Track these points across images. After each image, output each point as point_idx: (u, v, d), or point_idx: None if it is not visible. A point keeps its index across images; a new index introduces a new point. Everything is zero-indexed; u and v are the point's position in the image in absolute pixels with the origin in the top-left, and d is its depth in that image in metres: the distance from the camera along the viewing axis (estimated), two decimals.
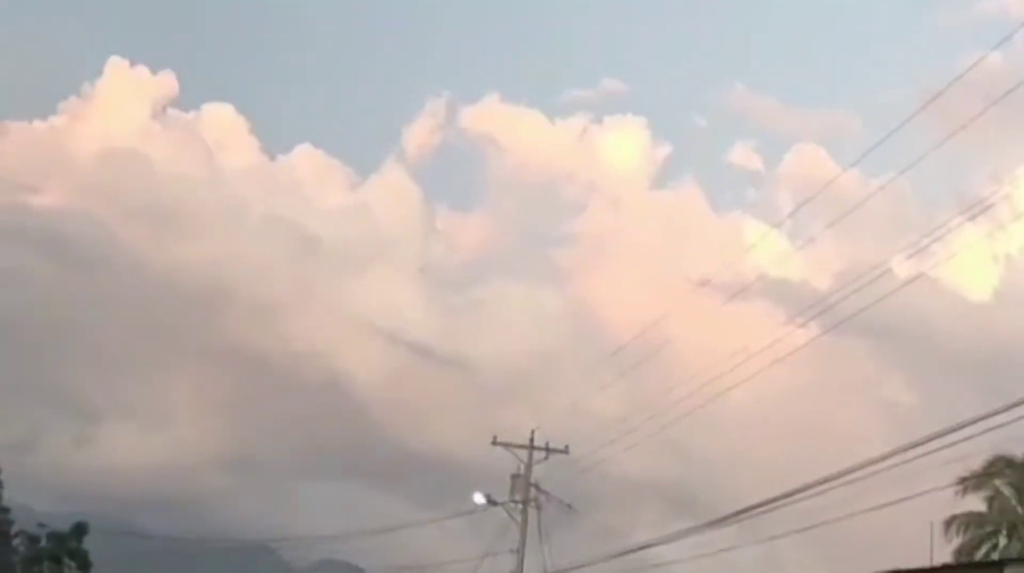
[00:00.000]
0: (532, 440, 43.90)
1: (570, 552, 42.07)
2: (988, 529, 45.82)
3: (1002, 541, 44.79)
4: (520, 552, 42.83)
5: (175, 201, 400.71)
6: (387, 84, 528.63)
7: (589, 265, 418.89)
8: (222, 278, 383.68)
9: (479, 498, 44.01)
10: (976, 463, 40.92)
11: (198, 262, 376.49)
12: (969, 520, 46.10)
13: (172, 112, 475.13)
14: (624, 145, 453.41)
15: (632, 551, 35.59)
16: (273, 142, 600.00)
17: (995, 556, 42.67)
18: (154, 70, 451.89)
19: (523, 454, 43.76)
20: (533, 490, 43.18)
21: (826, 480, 24.53)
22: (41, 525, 75.35)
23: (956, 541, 46.30)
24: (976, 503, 46.03)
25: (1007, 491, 45.75)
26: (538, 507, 42.96)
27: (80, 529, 75.54)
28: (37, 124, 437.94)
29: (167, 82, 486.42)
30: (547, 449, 43.65)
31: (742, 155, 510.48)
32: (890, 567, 26.00)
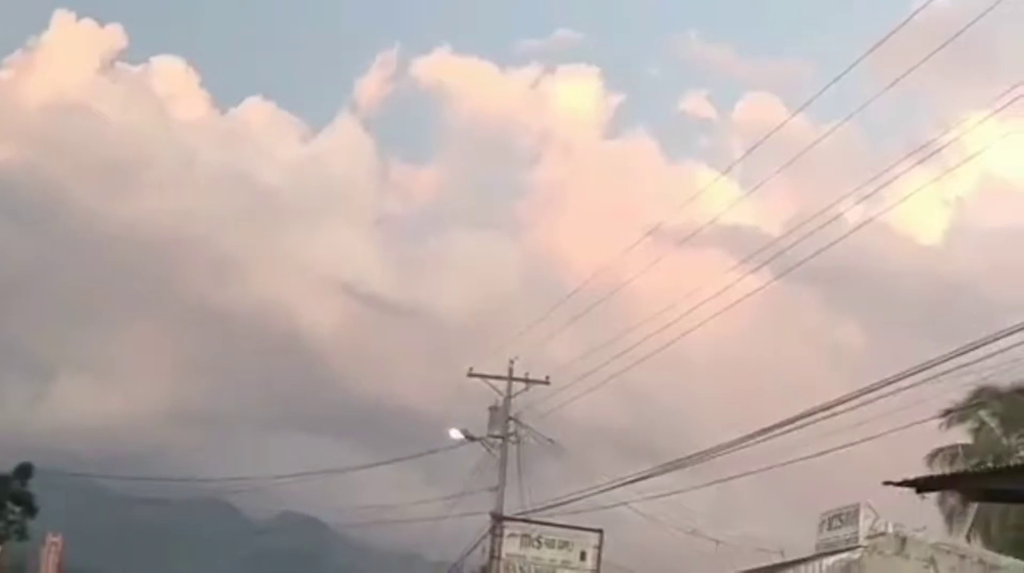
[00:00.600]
0: (511, 371, 41.47)
1: (551, 489, 39.82)
2: (974, 461, 44.70)
3: None
4: (500, 490, 40.49)
5: (126, 155, 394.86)
6: (338, 35, 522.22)
7: (544, 214, 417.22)
8: (175, 232, 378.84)
9: (456, 433, 41.62)
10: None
11: (150, 216, 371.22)
12: (954, 453, 44.81)
13: (120, 65, 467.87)
14: (577, 95, 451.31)
15: (616, 486, 33.39)
16: (224, 95, 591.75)
17: None
18: (101, 23, 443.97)
19: (502, 386, 41.45)
20: (513, 424, 40.88)
21: (814, 412, 24.27)
22: None
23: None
24: (961, 436, 44.82)
25: (992, 422, 44.39)
26: (518, 441, 40.68)
27: (24, 471, 69.22)
28: None
29: (115, 35, 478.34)
30: (527, 380, 41.31)
31: (695, 103, 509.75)
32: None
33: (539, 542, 31.03)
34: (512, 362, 41.32)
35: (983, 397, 42.16)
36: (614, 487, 30.60)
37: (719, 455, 28.94)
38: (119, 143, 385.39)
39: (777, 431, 25.79)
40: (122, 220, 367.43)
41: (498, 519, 40.48)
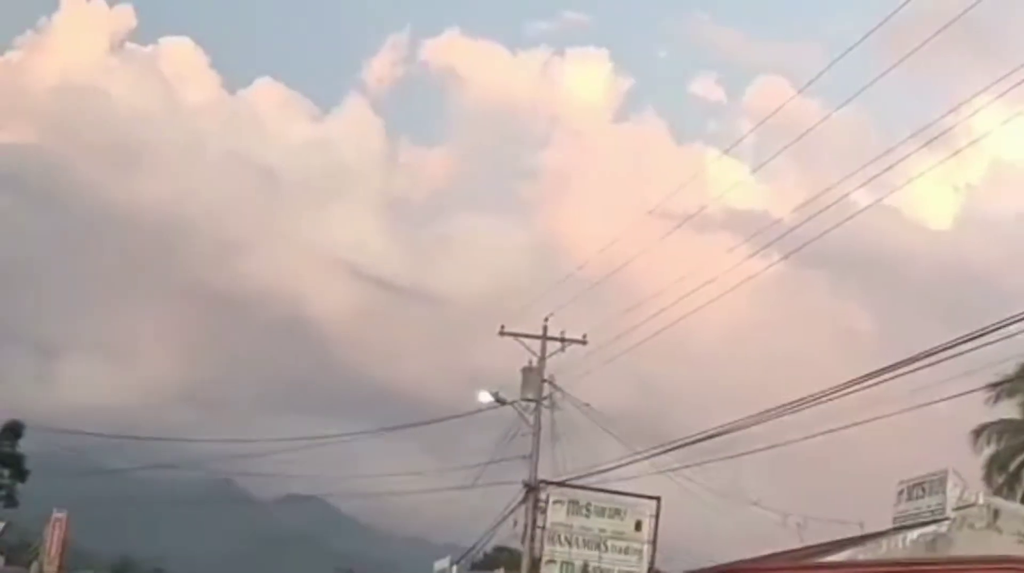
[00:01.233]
0: (545, 329, 37.82)
1: (587, 459, 36.10)
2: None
3: None
4: (534, 457, 36.80)
5: (134, 136, 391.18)
6: (348, 17, 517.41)
7: (553, 198, 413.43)
8: (183, 214, 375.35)
9: (485, 396, 37.92)
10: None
11: (158, 197, 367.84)
12: (1002, 428, 41.68)
13: (130, 46, 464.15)
14: (586, 78, 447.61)
15: (668, 450, 29.57)
16: (233, 76, 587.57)
17: None
18: (110, 3, 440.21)
19: (535, 347, 37.74)
20: (548, 387, 37.16)
21: (858, 381, 22.12)
22: None
23: (987, 451, 42.22)
24: (1009, 410, 41.66)
25: None
26: (553, 406, 36.96)
27: (13, 430, 63.32)
28: None
29: (124, 15, 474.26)
30: (562, 339, 37.61)
31: (704, 87, 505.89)
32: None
33: (588, 510, 26.98)
34: (547, 320, 37.69)
35: None
36: (665, 451, 26.96)
37: (773, 418, 25.70)
38: (128, 124, 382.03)
39: (824, 398, 23.67)
40: (130, 201, 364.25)
41: (531, 488, 36.84)
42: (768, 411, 25.73)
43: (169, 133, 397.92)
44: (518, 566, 37.21)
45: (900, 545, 26.15)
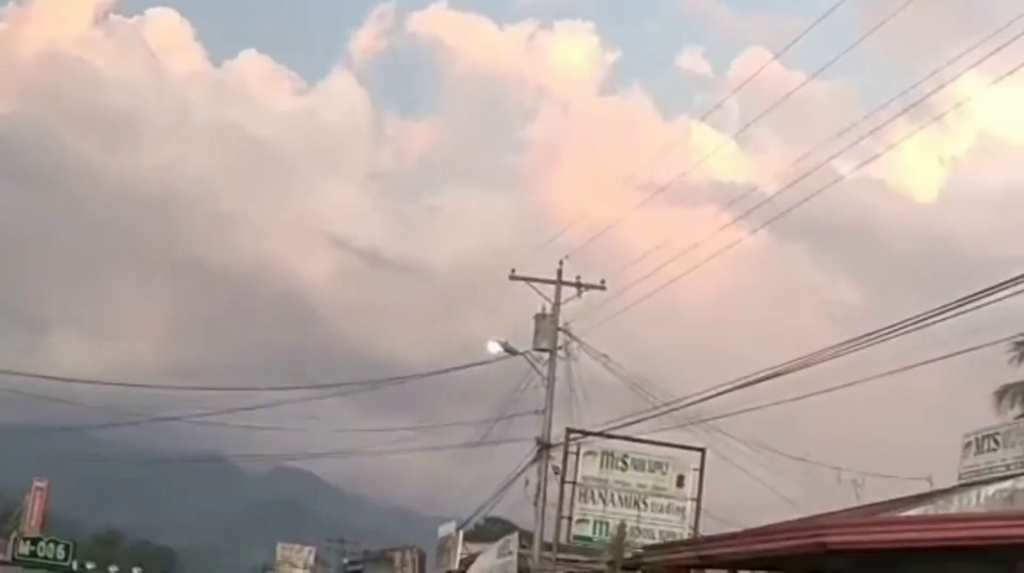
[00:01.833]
0: (560, 273, 34.28)
1: (603, 413, 32.55)
2: None
3: None
4: (547, 412, 33.33)
5: (120, 108, 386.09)
6: None
7: (540, 170, 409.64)
8: (169, 186, 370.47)
9: (494, 346, 34.37)
10: None
11: (144, 170, 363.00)
12: None
13: (115, 18, 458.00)
14: (573, 51, 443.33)
15: (680, 406, 25.98)
16: (218, 48, 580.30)
17: None
18: None
19: (548, 294, 34.21)
20: (563, 336, 33.67)
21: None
22: None
23: (1011, 413, 39.04)
24: None
25: None
26: (568, 356, 33.49)
27: None
28: None
29: None
30: (579, 284, 34.12)
31: (691, 60, 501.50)
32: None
33: (625, 463, 22.89)
34: (561, 263, 34.17)
35: None
36: (703, 399, 23.41)
37: (826, 360, 22.66)
38: (113, 96, 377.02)
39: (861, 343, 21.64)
40: (116, 174, 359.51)
41: (544, 446, 33.42)
42: (823, 351, 22.62)
43: (155, 105, 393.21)
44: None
45: (974, 501, 22.86)
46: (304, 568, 53.40)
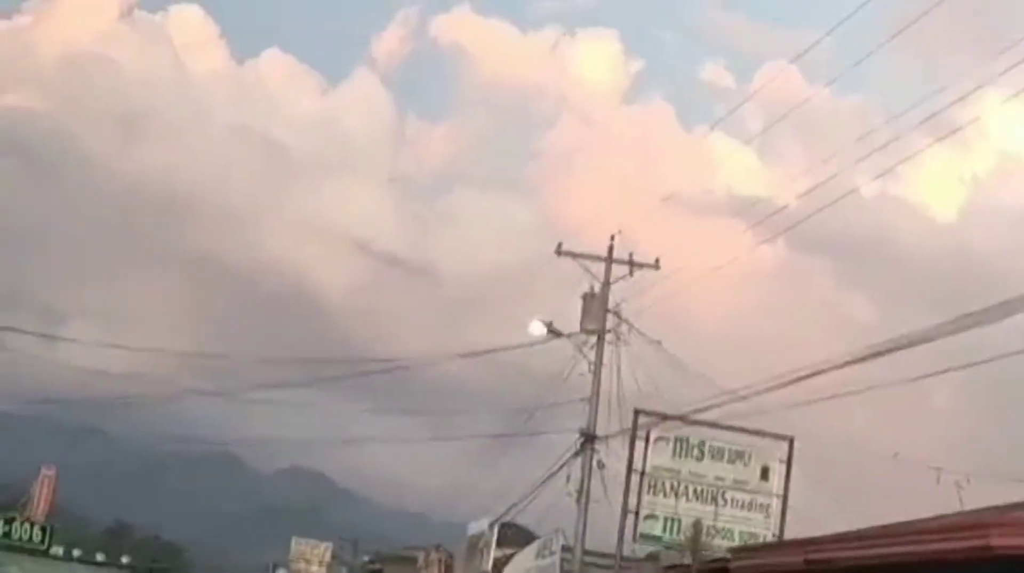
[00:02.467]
0: (611, 250, 30.95)
1: (650, 405, 29.13)
2: None
3: None
4: (593, 400, 30.01)
5: (142, 105, 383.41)
6: None
7: (559, 178, 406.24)
8: (189, 184, 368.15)
9: (537, 328, 31.06)
10: None
11: (165, 167, 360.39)
12: None
13: (139, 14, 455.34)
14: (595, 59, 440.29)
15: (739, 398, 22.50)
16: (242, 46, 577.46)
17: None
18: None
19: (598, 272, 30.86)
20: (612, 318, 30.32)
21: None
22: None
23: None
24: None
25: None
26: (618, 339, 30.16)
27: None
28: (1, 24, 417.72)
29: None
30: (631, 262, 30.79)
31: (713, 72, 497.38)
32: None
33: (701, 451, 19.25)
34: (613, 238, 30.78)
35: None
36: (796, 381, 19.95)
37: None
38: (135, 93, 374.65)
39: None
40: (136, 171, 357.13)
41: (589, 438, 30.06)
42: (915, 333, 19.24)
43: (176, 103, 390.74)
44: (527, 543, 30.73)
45: None
46: (320, 565, 50.07)
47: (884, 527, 14.87)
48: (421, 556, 37.34)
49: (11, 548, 28.15)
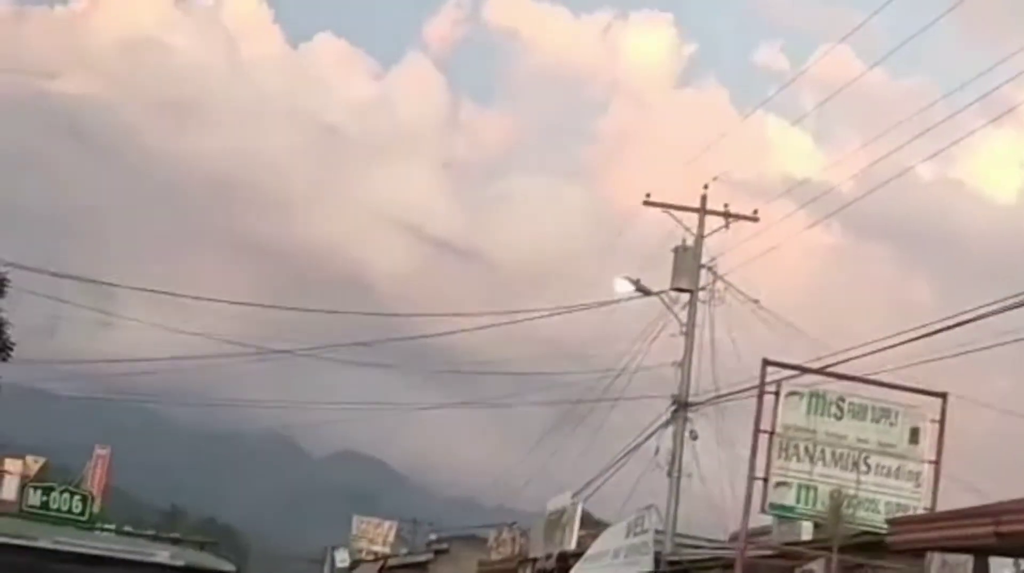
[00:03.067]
0: (704, 200, 28.01)
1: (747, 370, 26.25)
2: None
3: None
4: (685, 363, 27.16)
5: (195, 90, 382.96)
6: None
7: (612, 162, 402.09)
8: (243, 169, 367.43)
9: (623, 284, 28.18)
10: None
11: (219, 152, 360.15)
12: None
13: None
14: (649, 42, 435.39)
15: (879, 350, 19.36)
16: (295, 30, 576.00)
17: None
18: None
19: (688, 224, 27.95)
20: (707, 274, 27.44)
21: None
22: None
23: None
24: None
25: None
26: (712, 297, 27.29)
27: None
28: (58, 9, 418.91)
29: None
30: (727, 214, 27.88)
31: (766, 54, 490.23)
32: None
33: (840, 409, 16.09)
34: (706, 187, 27.83)
35: None
36: (950, 327, 16.86)
37: None
38: (189, 78, 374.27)
39: None
40: (190, 155, 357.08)
41: (682, 405, 27.20)
42: None
43: (230, 87, 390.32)
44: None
45: None
46: (384, 544, 47.46)
47: None
48: (492, 535, 34.62)
49: (49, 518, 25.60)
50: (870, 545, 15.53)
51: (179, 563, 13.19)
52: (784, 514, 16.86)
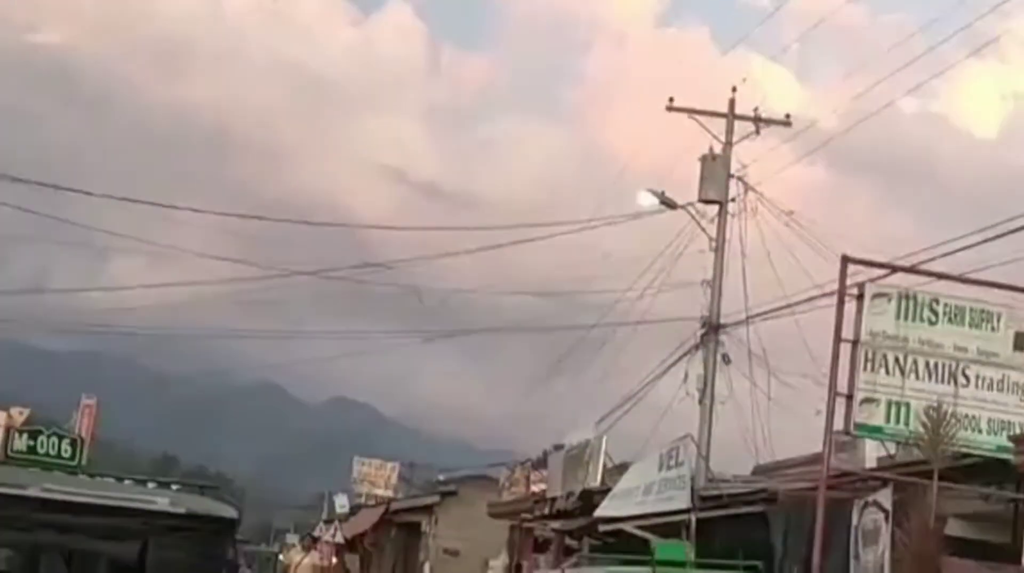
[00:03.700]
0: (733, 104, 25.44)
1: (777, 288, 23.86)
2: None
3: None
4: (716, 282, 24.71)
5: (179, 39, 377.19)
6: None
7: (596, 102, 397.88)
8: (227, 116, 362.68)
9: (646, 197, 25.65)
10: None
11: (201, 101, 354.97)
12: None
13: None
14: None
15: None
16: None
17: None
18: None
19: (714, 131, 25.43)
20: (738, 185, 24.93)
21: None
22: None
23: None
24: None
25: None
26: (743, 211, 24.81)
27: None
28: None
29: None
30: (757, 119, 25.30)
31: None
32: None
33: (934, 312, 13.54)
34: (735, 91, 25.24)
35: None
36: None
37: None
38: (171, 27, 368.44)
39: None
40: (174, 104, 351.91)
41: (714, 328, 24.78)
42: None
43: (211, 35, 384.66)
44: None
45: None
46: (386, 487, 45.09)
47: None
48: (503, 475, 32.26)
49: (37, 464, 23.48)
50: (970, 469, 13.18)
51: (180, 510, 11.60)
52: (873, 435, 14.41)
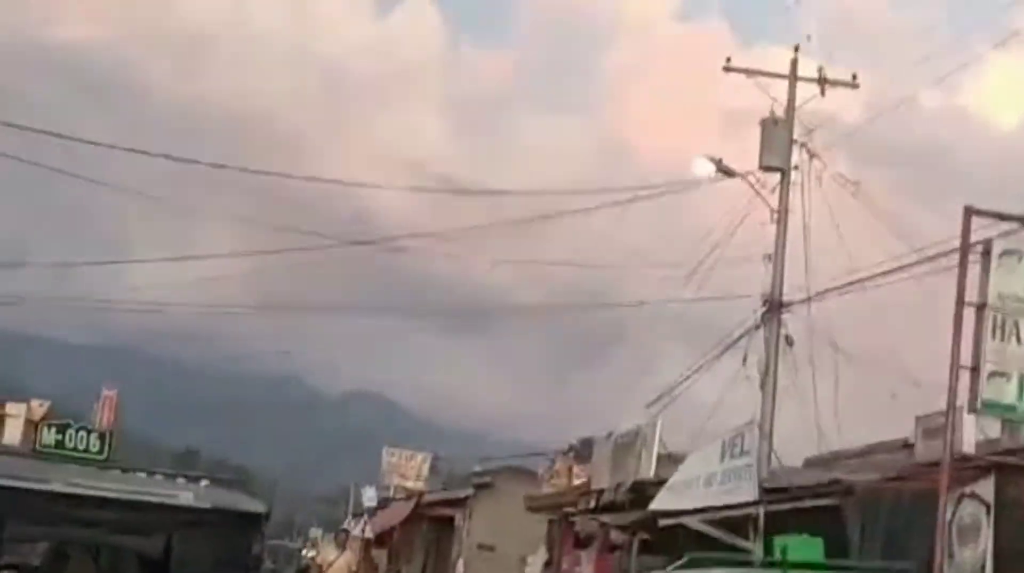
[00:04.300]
0: (795, 64, 23.47)
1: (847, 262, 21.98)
2: None
3: None
4: (778, 254, 22.79)
5: (197, 30, 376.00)
6: None
7: (615, 96, 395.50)
8: (248, 109, 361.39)
9: (703, 164, 23.68)
10: None
11: (221, 93, 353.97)
12: None
13: None
14: None
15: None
16: None
17: None
18: None
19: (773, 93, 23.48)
20: (802, 151, 22.98)
21: None
22: None
23: None
24: None
25: None
26: (807, 179, 22.89)
27: None
28: None
29: None
30: (822, 80, 23.32)
31: None
32: None
33: None
34: (797, 50, 23.27)
35: None
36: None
37: None
38: (191, 19, 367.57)
39: None
40: (193, 97, 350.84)
41: (777, 306, 22.84)
42: None
43: (233, 28, 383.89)
44: None
45: None
46: (417, 479, 43.15)
47: None
48: (542, 467, 30.35)
49: (65, 458, 22.61)
50: None
51: (204, 505, 11.66)
52: (1005, 415, 12.44)
